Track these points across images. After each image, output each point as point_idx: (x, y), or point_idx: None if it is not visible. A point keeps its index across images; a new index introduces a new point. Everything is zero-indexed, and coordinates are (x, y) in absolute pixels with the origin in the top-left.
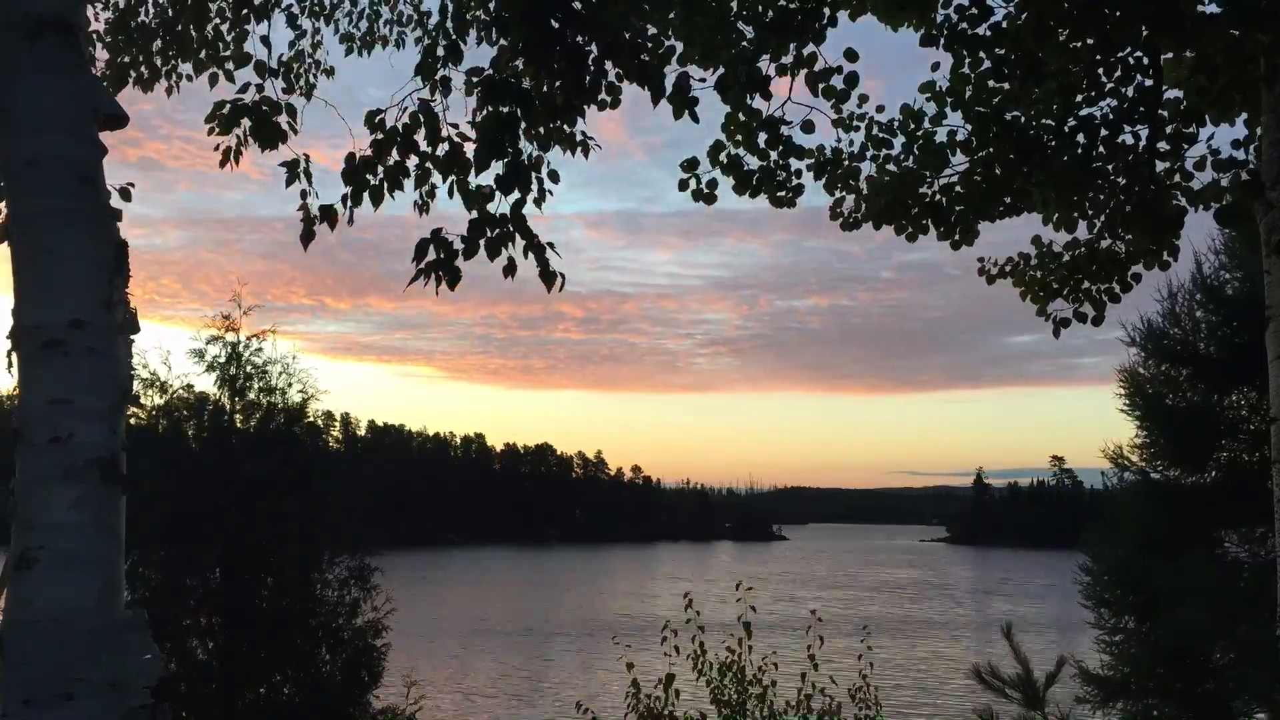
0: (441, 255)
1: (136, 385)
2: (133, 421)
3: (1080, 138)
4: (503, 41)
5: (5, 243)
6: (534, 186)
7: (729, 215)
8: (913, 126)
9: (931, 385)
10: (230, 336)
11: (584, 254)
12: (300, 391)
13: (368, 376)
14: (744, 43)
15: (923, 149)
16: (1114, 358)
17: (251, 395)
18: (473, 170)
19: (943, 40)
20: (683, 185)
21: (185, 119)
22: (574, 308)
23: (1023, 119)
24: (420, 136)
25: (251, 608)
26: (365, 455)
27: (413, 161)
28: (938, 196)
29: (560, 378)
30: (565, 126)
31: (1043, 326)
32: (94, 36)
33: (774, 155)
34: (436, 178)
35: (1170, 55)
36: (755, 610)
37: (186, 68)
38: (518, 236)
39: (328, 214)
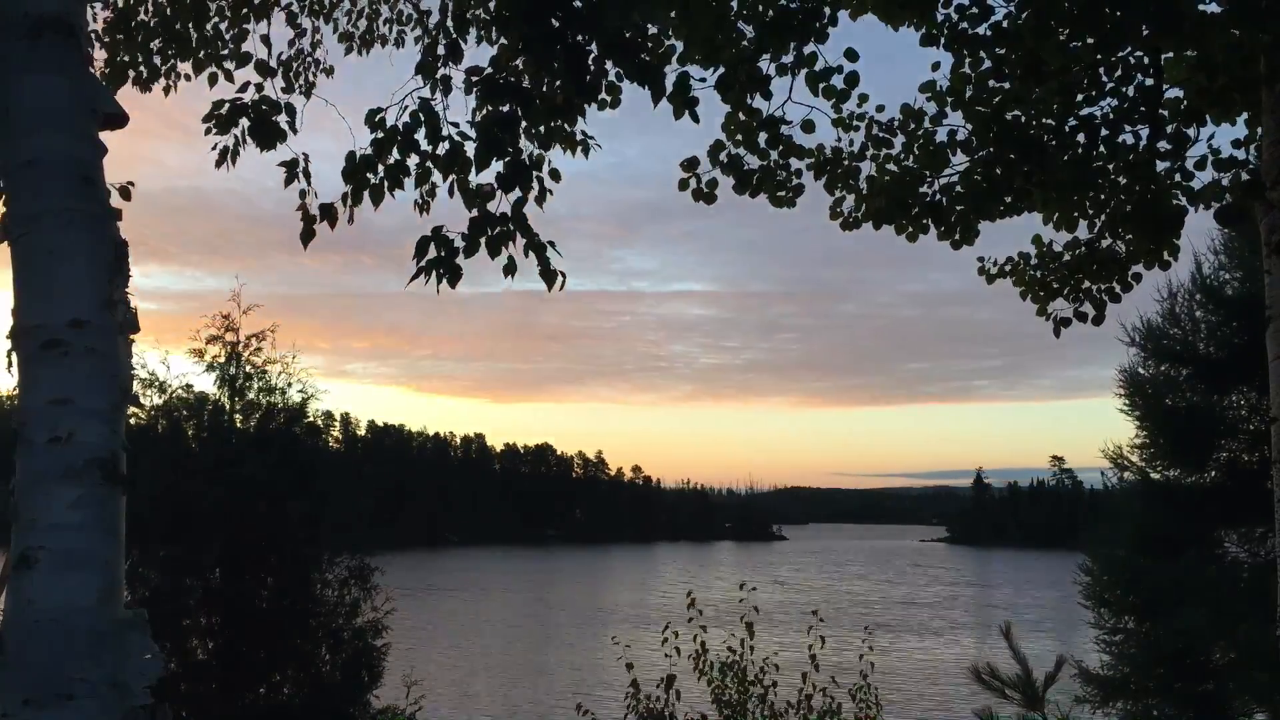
0: (442, 253)
1: (136, 385)
2: (133, 421)
3: (1080, 137)
4: (503, 40)
5: (5, 243)
6: (535, 185)
7: (612, 295)
8: (913, 126)
9: (856, 402)
10: (229, 336)
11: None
12: (300, 391)
13: (354, 391)
14: (744, 42)
15: (923, 149)
16: (1001, 381)
17: (251, 395)
18: (473, 169)
19: (943, 40)
20: (683, 185)
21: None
22: (493, 359)
23: (1023, 119)
24: (421, 135)
25: (251, 608)
26: (365, 455)
27: (413, 160)
28: (938, 196)
29: (526, 393)
30: (566, 125)
31: (933, 355)
32: (93, 36)
33: (774, 155)
34: (437, 176)
35: (1170, 55)
36: (758, 610)
37: (185, 67)
38: (518, 235)
39: (327, 213)
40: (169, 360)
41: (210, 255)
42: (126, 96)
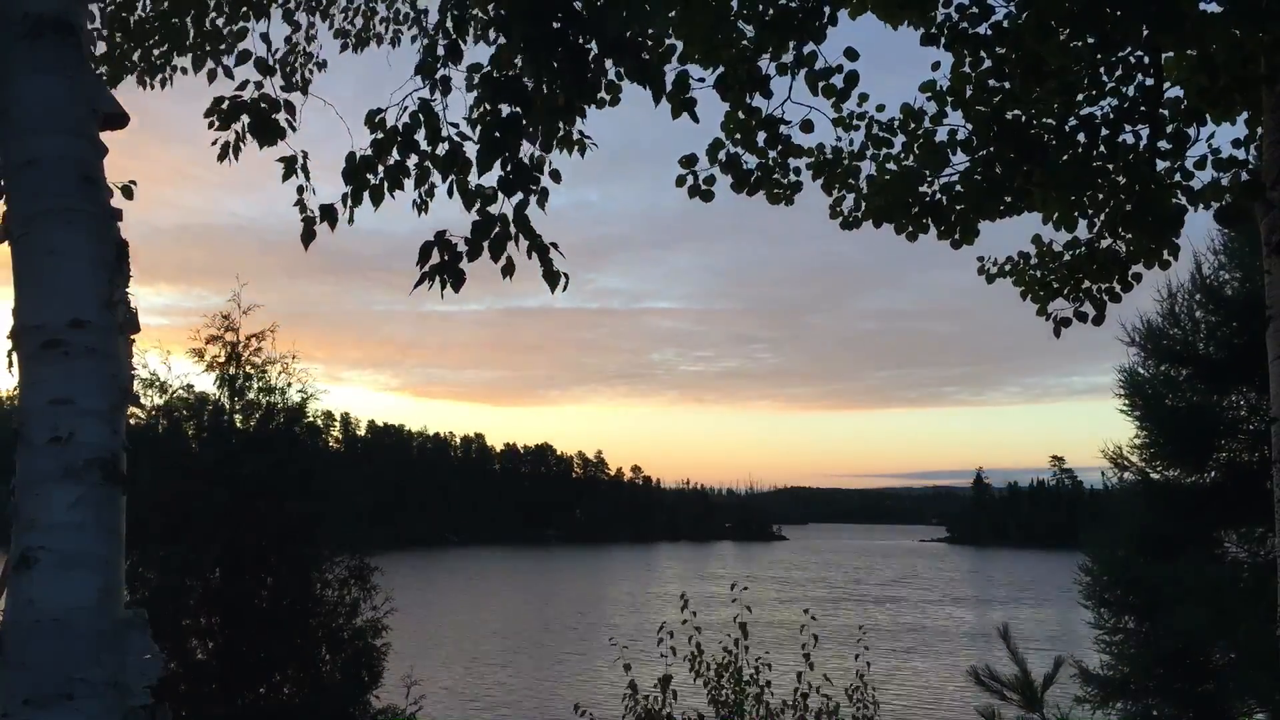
0: (446, 258)
1: (136, 385)
2: (133, 421)
3: (1081, 137)
4: (503, 41)
5: (5, 243)
6: (536, 187)
7: (587, 311)
8: (913, 126)
9: (835, 406)
10: (229, 336)
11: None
12: (300, 391)
13: (352, 394)
14: (744, 42)
15: (923, 148)
16: (968, 388)
17: (251, 395)
18: (473, 170)
19: (943, 39)
20: (680, 181)
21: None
22: (482, 367)
23: (1023, 118)
24: (420, 136)
25: (251, 608)
26: (365, 455)
27: (413, 161)
28: (938, 196)
29: (514, 398)
30: (565, 126)
31: (901, 364)
32: (94, 34)
33: (773, 154)
34: (436, 177)
35: (1171, 55)
36: (751, 610)
37: (184, 61)
38: (520, 237)
39: (328, 214)
40: (170, 361)
41: (216, 277)
42: (145, 152)
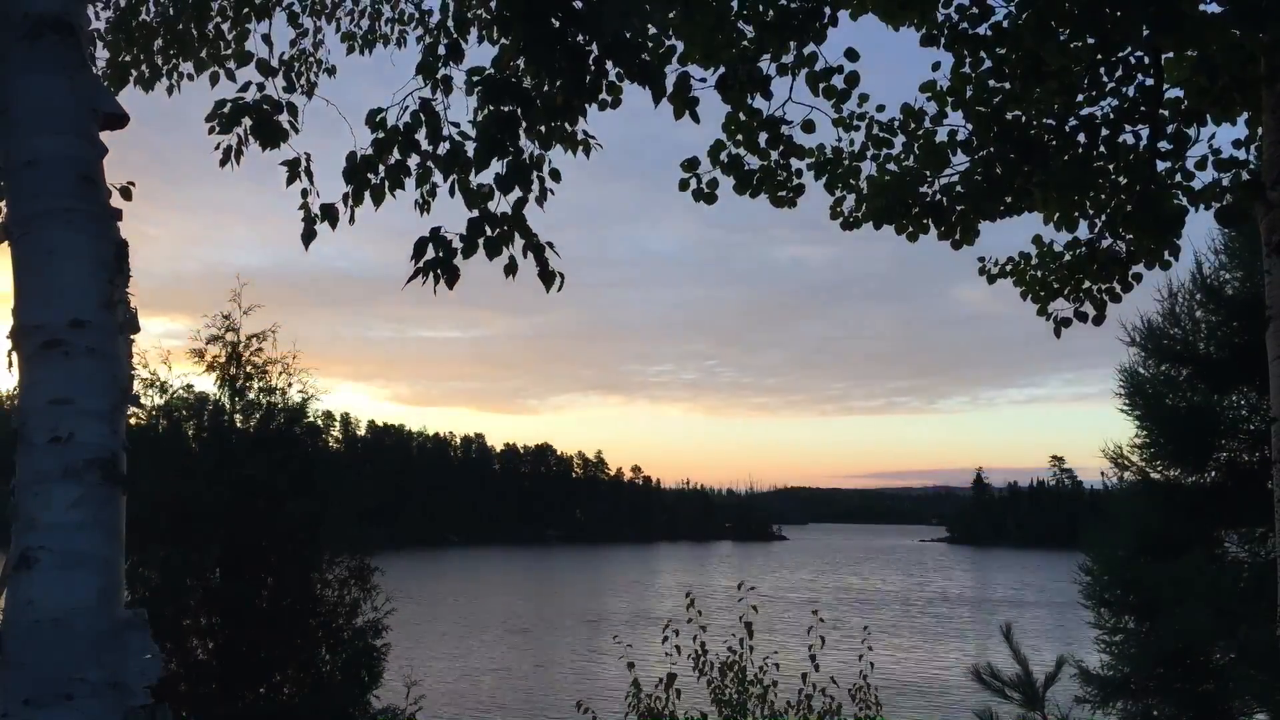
0: (440, 254)
1: (136, 385)
2: (133, 421)
3: (1081, 137)
4: (504, 40)
5: (5, 243)
6: (534, 185)
7: (549, 337)
8: (913, 126)
9: (801, 414)
10: (230, 336)
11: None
12: (300, 391)
13: (343, 398)
14: (744, 42)
15: (923, 148)
16: (920, 397)
17: (251, 395)
18: (473, 169)
19: (943, 40)
20: (683, 185)
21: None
22: (465, 379)
23: (1023, 119)
24: (421, 135)
25: (251, 608)
26: (365, 455)
27: (414, 160)
28: (938, 196)
29: (498, 405)
30: (566, 125)
31: (852, 378)
32: (94, 35)
33: (775, 155)
34: (438, 176)
35: (1171, 55)
36: (756, 610)
37: (187, 67)
38: (517, 236)
39: (328, 213)
40: (170, 361)
41: (222, 305)
42: (170, 220)
